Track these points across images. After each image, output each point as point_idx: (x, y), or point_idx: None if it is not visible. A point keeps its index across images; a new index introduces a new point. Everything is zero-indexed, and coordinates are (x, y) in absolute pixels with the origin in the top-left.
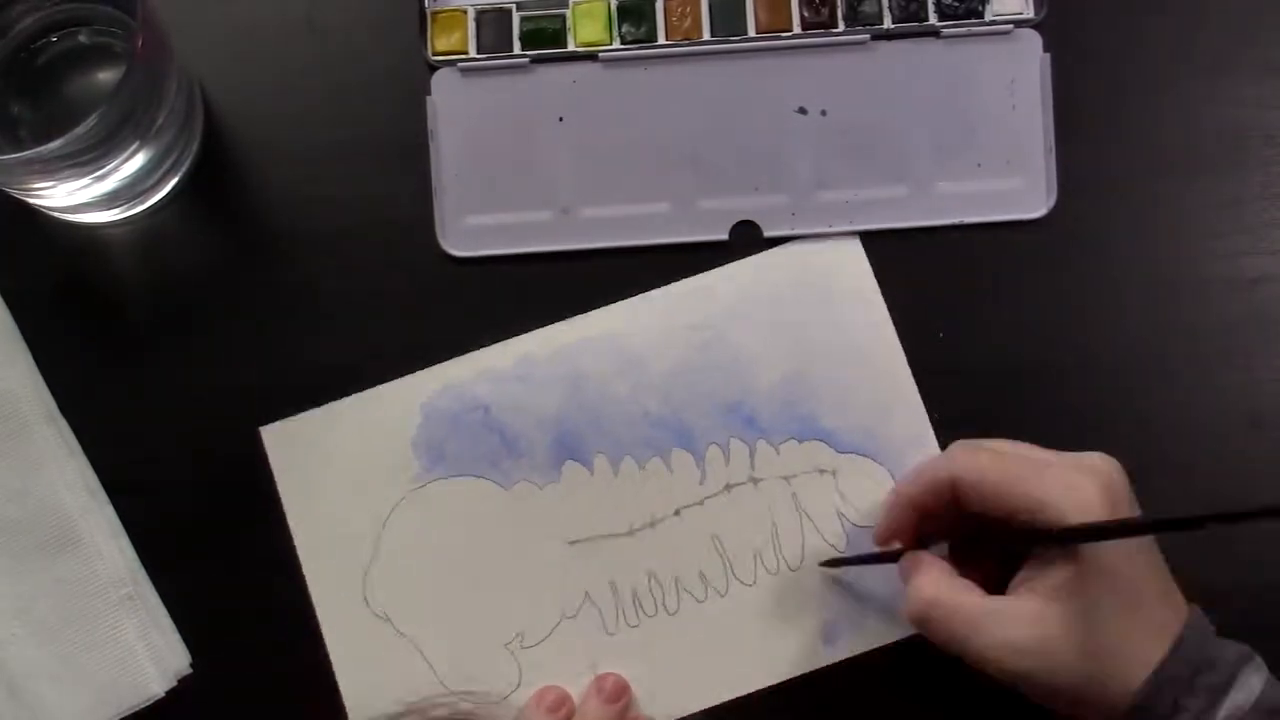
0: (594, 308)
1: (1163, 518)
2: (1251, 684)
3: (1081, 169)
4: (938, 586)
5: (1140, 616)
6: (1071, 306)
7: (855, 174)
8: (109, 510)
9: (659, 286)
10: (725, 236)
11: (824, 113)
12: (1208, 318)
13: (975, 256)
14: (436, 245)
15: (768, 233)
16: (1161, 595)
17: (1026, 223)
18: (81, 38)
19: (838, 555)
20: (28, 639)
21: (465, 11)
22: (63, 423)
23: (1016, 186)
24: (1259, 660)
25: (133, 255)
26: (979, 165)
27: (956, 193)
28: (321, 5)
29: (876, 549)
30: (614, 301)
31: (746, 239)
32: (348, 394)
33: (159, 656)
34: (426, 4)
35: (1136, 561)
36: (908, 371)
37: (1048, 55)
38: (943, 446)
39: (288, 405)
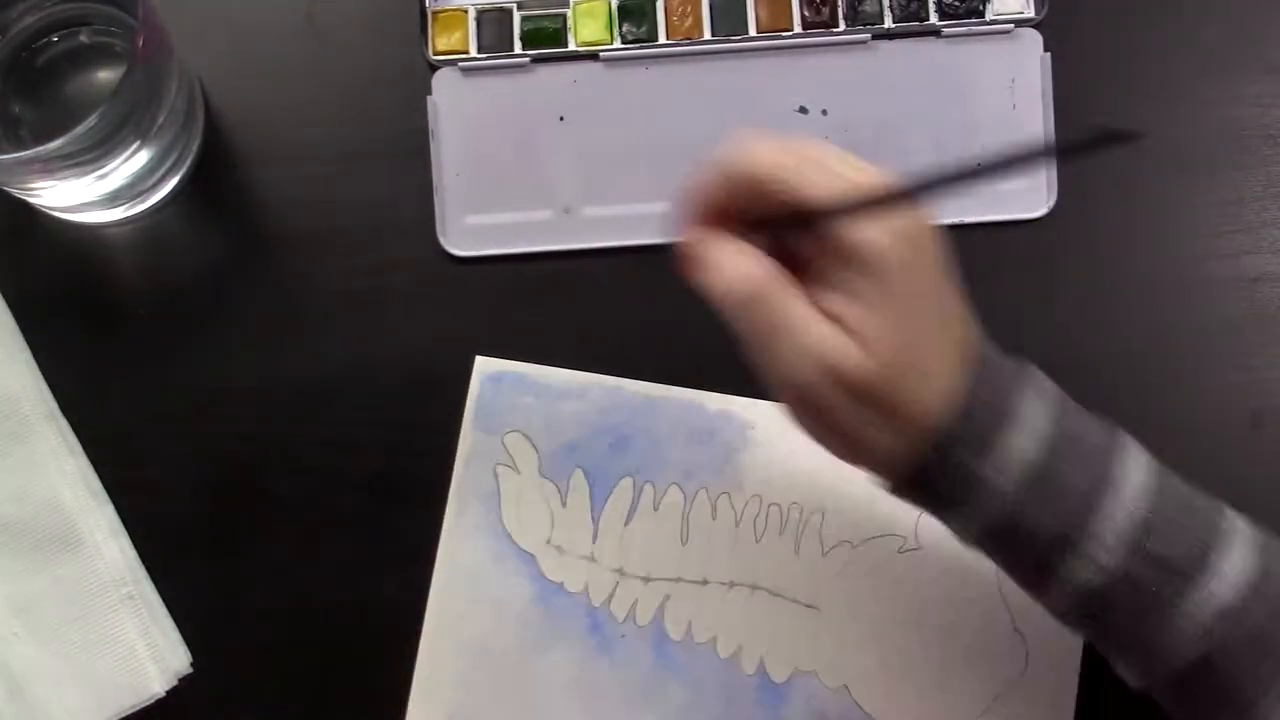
0: (593, 307)
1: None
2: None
3: (1081, 169)
4: (764, 269)
5: (941, 334)
6: (1071, 306)
7: None
8: (109, 510)
9: (659, 287)
10: None
11: (825, 112)
12: (1208, 317)
13: (975, 256)
14: (437, 245)
15: None
16: (956, 315)
17: (1026, 223)
18: (82, 37)
19: None
20: (28, 639)
21: (466, 11)
22: (63, 422)
23: (1016, 186)
24: (1034, 381)
25: (133, 255)
26: (979, 165)
27: (956, 192)
28: (321, 5)
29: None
30: (612, 300)
31: None
32: (347, 394)
33: (159, 656)
34: (427, 4)
35: (932, 276)
36: None
37: (1048, 55)
38: None
39: (288, 405)
